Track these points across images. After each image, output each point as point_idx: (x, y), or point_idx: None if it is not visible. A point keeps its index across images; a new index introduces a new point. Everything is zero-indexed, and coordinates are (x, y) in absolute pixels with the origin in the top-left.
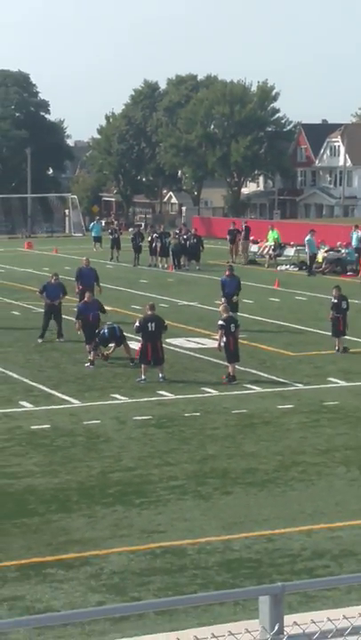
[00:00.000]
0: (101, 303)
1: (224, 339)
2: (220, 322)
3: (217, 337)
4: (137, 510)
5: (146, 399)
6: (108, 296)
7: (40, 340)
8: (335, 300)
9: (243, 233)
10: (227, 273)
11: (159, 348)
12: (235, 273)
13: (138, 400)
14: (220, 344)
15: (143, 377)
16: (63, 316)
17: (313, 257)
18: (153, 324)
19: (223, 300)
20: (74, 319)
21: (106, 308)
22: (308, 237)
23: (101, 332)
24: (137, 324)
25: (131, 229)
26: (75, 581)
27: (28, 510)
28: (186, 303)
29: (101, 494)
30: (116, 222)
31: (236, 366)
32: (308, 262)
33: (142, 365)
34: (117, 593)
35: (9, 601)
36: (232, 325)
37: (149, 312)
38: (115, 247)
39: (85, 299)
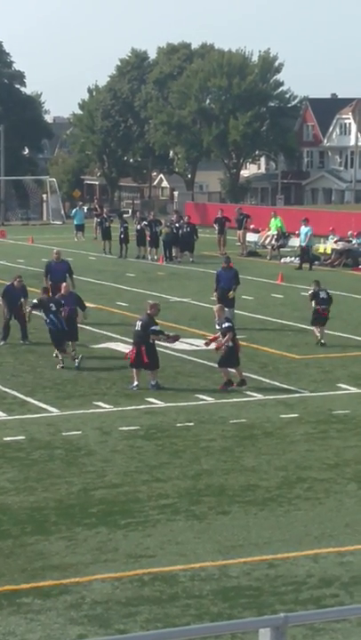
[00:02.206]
0: (80, 297)
1: (230, 342)
2: (227, 324)
3: (210, 337)
4: (122, 532)
5: (133, 407)
6: (91, 291)
7: (2, 343)
8: (313, 290)
9: (244, 221)
10: (223, 265)
11: (143, 352)
12: (232, 265)
13: (124, 408)
14: (220, 345)
15: (136, 383)
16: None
17: (305, 250)
18: (139, 323)
19: (216, 295)
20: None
21: (88, 305)
22: (302, 228)
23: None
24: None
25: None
26: (53, 612)
27: (1, 532)
28: (178, 299)
29: (83, 514)
30: (107, 210)
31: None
32: (300, 255)
33: (133, 370)
34: (100, 625)
35: None
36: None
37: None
38: (106, 238)
39: (62, 291)
